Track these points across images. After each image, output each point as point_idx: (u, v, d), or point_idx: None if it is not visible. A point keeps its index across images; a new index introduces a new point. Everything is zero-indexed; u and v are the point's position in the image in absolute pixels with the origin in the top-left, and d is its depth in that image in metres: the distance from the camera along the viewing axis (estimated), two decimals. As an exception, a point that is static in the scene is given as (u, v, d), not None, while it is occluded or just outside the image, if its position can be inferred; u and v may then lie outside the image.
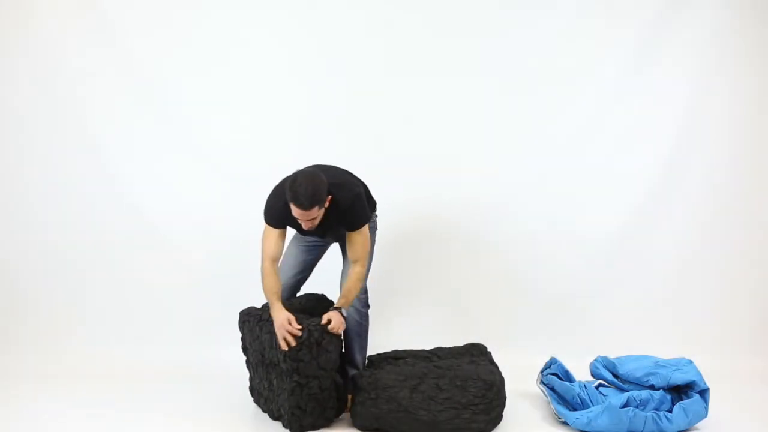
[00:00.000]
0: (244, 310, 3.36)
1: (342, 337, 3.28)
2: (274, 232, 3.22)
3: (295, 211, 3.03)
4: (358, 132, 4.18)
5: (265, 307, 3.27)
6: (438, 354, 3.48)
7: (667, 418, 3.11)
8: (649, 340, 4.04)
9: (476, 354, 3.47)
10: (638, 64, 4.13)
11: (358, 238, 3.23)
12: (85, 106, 4.14)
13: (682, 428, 3.15)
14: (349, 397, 3.30)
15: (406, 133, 4.18)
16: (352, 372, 3.39)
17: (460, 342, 3.66)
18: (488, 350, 3.53)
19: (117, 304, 4.20)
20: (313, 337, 3.05)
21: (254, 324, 3.27)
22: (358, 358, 3.44)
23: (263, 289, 3.23)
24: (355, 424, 3.22)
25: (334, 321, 3.12)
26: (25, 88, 4.12)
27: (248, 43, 4.14)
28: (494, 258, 4.23)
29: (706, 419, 3.21)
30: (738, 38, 4.11)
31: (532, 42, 4.12)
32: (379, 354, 3.52)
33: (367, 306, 3.45)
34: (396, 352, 3.51)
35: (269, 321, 3.18)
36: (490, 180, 4.21)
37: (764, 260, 4.22)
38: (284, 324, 3.06)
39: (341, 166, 3.40)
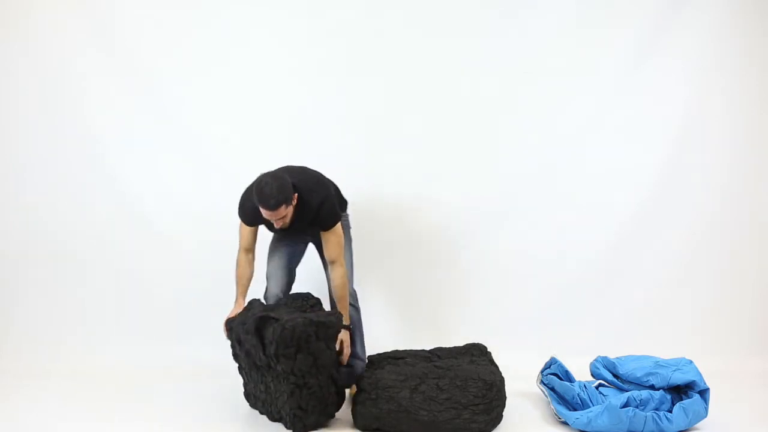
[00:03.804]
0: (229, 319, 3.31)
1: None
2: (248, 228, 3.39)
3: (264, 213, 3.16)
4: (358, 131, 4.18)
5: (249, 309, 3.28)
6: (438, 354, 3.48)
7: (667, 418, 3.11)
8: (649, 340, 4.04)
9: (476, 354, 3.47)
10: (638, 64, 4.13)
11: (332, 237, 3.34)
12: (85, 106, 4.14)
13: (682, 428, 3.15)
14: (353, 387, 3.36)
15: (406, 133, 4.19)
16: (355, 363, 3.49)
17: (460, 342, 3.67)
18: (488, 350, 3.53)
19: (117, 304, 4.20)
20: (298, 332, 3.01)
21: (240, 331, 3.21)
22: (360, 349, 3.56)
23: (235, 276, 3.44)
24: (355, 424, 3.22)
25: (345, 346, 3.31)
26: (25, 89, 4.12)
27: (248, 43, 4.14)
28: (494, 258, 4.23)
29: (706, 419, 3.21)
30: (738, 38, 4.11)
31: (532, 42, 4.12)
32: (379, 354, 3.52)
33: (356, 299, 3.60)
34: (396, 352, 3.51)
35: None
36: (489, 180, 4.21)
37: (764, 260, 4.23)
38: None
39: (315, 168, 3.50)
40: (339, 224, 3.36)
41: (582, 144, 4.19)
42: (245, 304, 3.37)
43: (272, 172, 3.22)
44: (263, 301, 3.52)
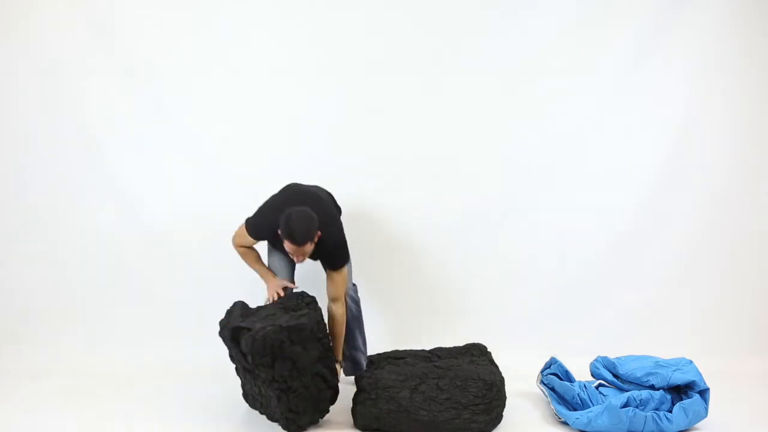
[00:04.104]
0: (221, 321, 3.27)
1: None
2: (251, 239, 3.43)
3: (289, 247, 3.20)
4: (358, 132, 4.18)
5: (235, 313, 3.27)
6: (438, 354, 3.48)
7: (667, 418, 3.11)
8: (649, 340, 4.04)
9: (476, 354, 3.47)
10: (638, 64, 4.13)
11: (338, 277, 3.40)
12: (85, 106, 4.13)
13: (682, 428, 3.15)
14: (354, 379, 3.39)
15: (406, 133, 4.18)
16: (357, 355, 3.65)
17: (460, 342, 3.67)
18: (488, 350, 3.53)
19: (117, 304, 4.20)
20: (270, 340, 2.99)
21: (229, 337, 3.20)
22: (360, 340, 3.69)
23: (247, 263, 3.48)
24: (355, 424, 3.22)
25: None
26: (25, 89, 4.12)
27: (248, 43, 4.14)
28: (495, 258, 4.23)
29: (706, 419, 3.21)
30: (738, 38, 4.11)
31: (532, 42, 4.11)
32: (379, 354, 3.52)
33: (357, 292, 3.71)
34: (396, 352, 3.51)
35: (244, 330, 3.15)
36: (489, 180, 4.21)
37: (764, 261, 4.22)
38: (278, 289, 3.41)
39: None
40: (345, 267, 3.41)
41: (582, 144, 4.19)
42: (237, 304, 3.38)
43: (301, 209, 3.22)
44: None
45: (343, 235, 3.43)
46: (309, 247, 3.21)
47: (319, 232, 3.24)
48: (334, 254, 3.37)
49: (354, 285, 3.70)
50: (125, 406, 3.46)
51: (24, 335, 4.15)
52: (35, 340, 4.14)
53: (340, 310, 3.41)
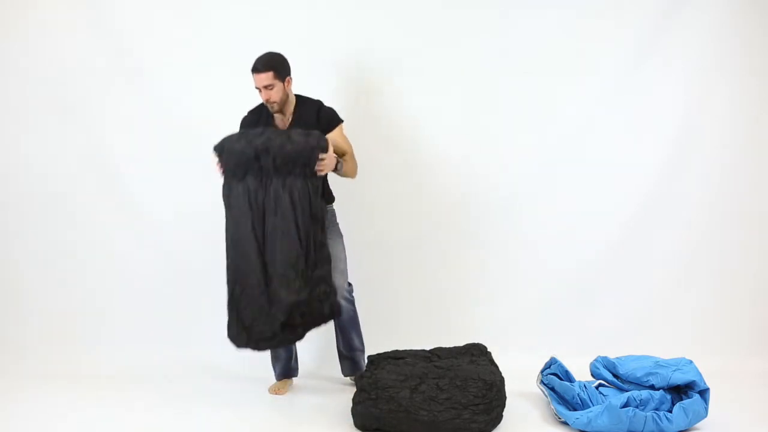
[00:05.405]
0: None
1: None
2: None
3: (254, 80, 3.37)
4: (357, 131, 4.17)
5: None
6: (438, 354, 3.48)
7: (667, 418, 3.11)
8: (649, 340, 4.04)
9: (476, 354, 3.47)
10: (638, 64, 4.13)
11: (339, 138, 3.49)
12: (86, 106, 4.14)
13: (682, 428, 3.15)
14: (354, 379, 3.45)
15: (405, 133, 4.19)
16: (356, 355, 3.68)
17: (460, 342, 3.67)
18: (488, 350, 3.53)
19: (118, 304, 4.20)
20: None
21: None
22: (357, 341, 3.71)
23: None
24: (355, 424, 3.22)
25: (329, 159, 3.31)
26: (24, 89, 4.12)
27: (248, 43, 4.13)
28: (494, 258, 4.23)
29: (706, 419, 3.21)
30: (738, 38, 4.11)
31: (531, 41, 4.12)
32: (379, 354, 3.52)
33: (352, 293, 3.67)
34: (396, 351, 3.51)
35: None
36: (489, 180, 4.21)
37: (764, 260, 4.22)
38: None
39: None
40: (342, 127, 3.52)
41: (582, 144, 4.18)
42: None
43: None
44: None
45: (321, 101, 3.55)
46: (273, 79, 3.33)
47: (290, 77, 3.40)
48: (321, 114, 3.48)
49: (349, 285, 3.67)
50: (125, 406, 3.46)
51: (24, 336, 4.16)
52: (35, 340, 4.14)
53: (351, 162, 3.52)
